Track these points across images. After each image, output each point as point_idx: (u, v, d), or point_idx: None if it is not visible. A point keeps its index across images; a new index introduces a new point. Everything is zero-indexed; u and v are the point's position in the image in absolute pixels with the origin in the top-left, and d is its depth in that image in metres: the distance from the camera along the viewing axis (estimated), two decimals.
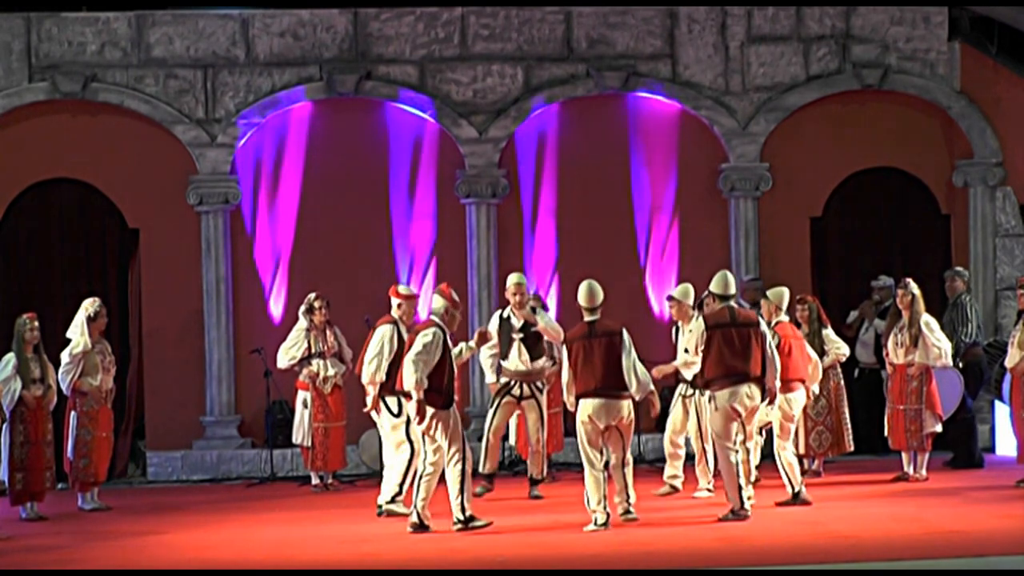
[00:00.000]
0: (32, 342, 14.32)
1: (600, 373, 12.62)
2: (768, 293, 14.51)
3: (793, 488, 13.61)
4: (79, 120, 17.59)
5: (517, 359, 14.59)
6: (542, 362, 14.65)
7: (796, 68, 17.99)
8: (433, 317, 12.78)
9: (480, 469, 14.45)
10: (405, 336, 13.52)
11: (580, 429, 12.75)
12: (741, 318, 13.01)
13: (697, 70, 17.94)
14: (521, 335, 14.60)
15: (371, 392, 13.60)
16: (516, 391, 14.69)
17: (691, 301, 14.48)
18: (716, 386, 12.88)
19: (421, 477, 12.66)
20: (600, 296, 12.86)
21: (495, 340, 14.58)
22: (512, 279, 14.73)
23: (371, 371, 13.60)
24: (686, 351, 13.83)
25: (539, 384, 14.73)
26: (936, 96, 18.03)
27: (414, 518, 12.66)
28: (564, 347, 12.95)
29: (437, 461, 12.61)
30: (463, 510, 12.55)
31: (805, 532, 12.31)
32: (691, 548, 11.74)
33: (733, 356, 12.83)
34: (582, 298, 12.86)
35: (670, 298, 14.77)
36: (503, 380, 14.74)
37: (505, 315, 14.84)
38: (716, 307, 13.16)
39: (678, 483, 14.78)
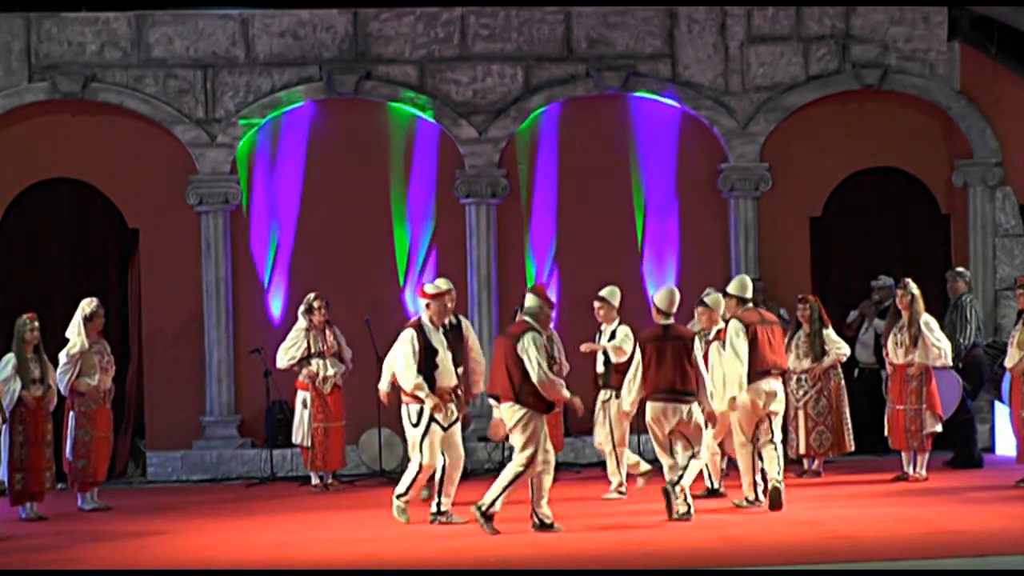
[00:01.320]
0: (32, 342, 14.31)
1: (669, 376, 12.94)
2: (708, 300, 14.18)
3: (713, 483, 14.28)
4: (79, 120, 17.60)
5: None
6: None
7: (796, 68, 17.99)
8: (527, 318, 12.63)
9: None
10: (433, 337, 13.14)
11: (649, 431, 13.17)
12: (768, 318, 13.74)
13: (697, 70, 17.94)
14: (446, 342, 14.14)
15: (425, 395, 12.96)
16: None
17: (617, 302, 14.71)
18: (750, 381, 13.44)
19: (534, 477, 12.56)
20: (677, 303, 13.27)
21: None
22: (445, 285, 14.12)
23: (409, 380, 13.01)
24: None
25: (460, 390, 13.98)
26: (936, 96, 18.03)
27: (535, 519, 12.57)
28: (639, 347, 13.14)
29: (547, 459, 12.57)
30: (491, 505, 12.43)
31: (805, 532, 12.32)
32: (691, 548, 11.75)
33: (773, 352, 13.50)
34: (663, 302, 13.19)
35: (600, 299, 14.75)
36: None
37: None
38: (742, 310, 13.64)
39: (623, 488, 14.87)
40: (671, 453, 13.09)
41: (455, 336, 13.67)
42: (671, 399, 12.95)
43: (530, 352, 12.32)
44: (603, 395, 14.69)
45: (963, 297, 16.31)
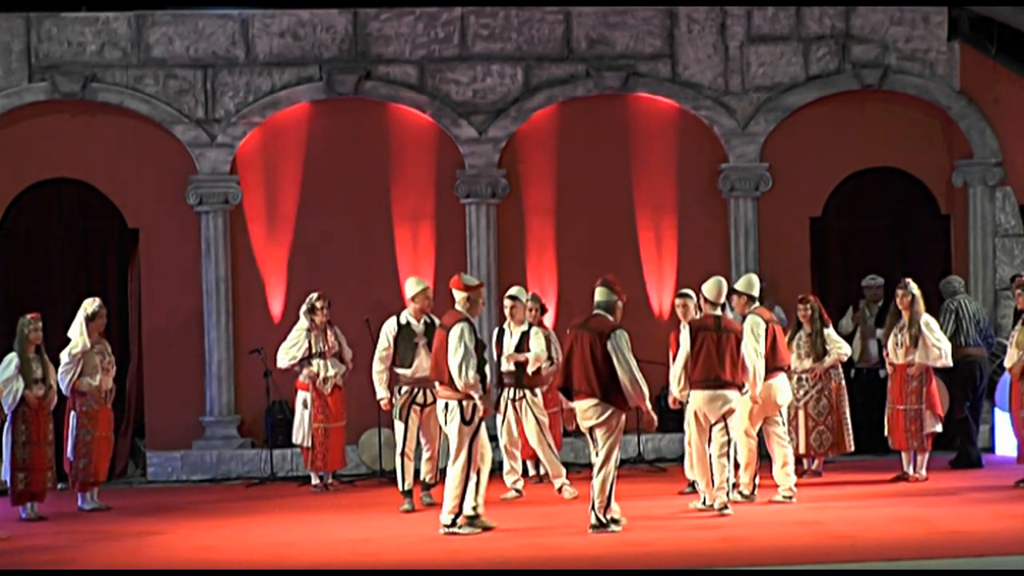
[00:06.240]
0: (35, 342, 14.32)
1: (716, 365, 13.21)
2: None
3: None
4: (79, 120, 17.60)
5: (422, 365, 13.94)
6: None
7: (796, 68, 17.99)
8: (604, 313, 12.46)
9: (401, 487, 14.06)
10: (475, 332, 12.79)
11: (693, 418, 13.43)
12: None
13: (697, 70, 17.94)
14: (425, 340, 14.08)
15: (477, 395, 12.49)
16: (420, 399, 14.11)
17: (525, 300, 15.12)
18: (769, 376, 13.87)
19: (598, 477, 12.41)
20: (725, 292, 13.47)
21: (387, 353, 14.21)
22: (418, 286, 14.27)
23: (468, 377, 12.47)
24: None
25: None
26: (936, 96, 18.03)
27: (593, 519, 12.42)
28: (689, 336, 13.40)
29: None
30: (607, 508, 12.39)
31: (805, 532, 12.33)
32: (691, 548, 11.76)
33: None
34: (711, 293, 13.34)
35: (511, 297, 15.08)
36: (404, 389, 14.18)
37: (403, 321, 14.36)
38: (755, 307, 14.03)
39: (520, 485, 15.00)
40: (710, 441, 13.30)
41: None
42: (716, 387, 13.21)
43: (624, 351, 12.24)
44: (511, 393, 14.81)
45: (946, 304, 16.23)
